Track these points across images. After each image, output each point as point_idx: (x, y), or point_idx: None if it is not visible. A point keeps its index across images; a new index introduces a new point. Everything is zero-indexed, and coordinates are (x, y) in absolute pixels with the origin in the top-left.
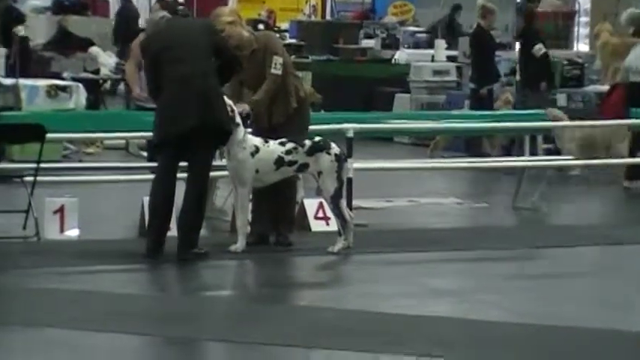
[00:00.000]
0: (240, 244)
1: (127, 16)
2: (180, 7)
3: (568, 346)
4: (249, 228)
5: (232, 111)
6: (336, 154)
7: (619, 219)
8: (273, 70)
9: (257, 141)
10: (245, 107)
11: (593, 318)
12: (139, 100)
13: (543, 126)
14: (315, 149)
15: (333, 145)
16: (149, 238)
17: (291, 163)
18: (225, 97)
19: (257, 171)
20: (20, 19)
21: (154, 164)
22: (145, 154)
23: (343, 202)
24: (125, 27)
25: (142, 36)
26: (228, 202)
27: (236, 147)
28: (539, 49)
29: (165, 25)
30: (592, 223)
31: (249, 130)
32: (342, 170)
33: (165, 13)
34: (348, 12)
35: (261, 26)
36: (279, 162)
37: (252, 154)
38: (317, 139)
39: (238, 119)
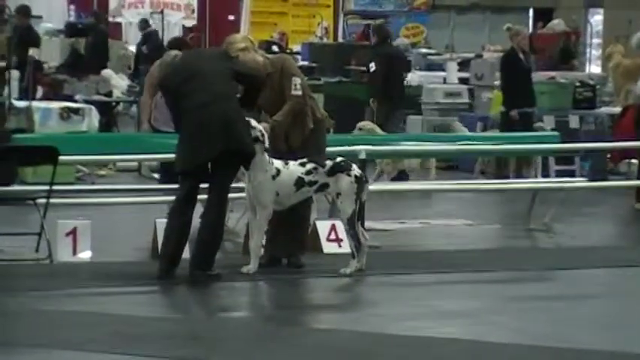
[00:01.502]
0: (252, 266)
1: (99, 38)
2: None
3: None
4: (262, 250)
5: (263, 135)
6: (356, 176)
7: (630, 240)
8: (294, 92)
9: (278, 164)
10: (265, 127)
11: (605, 340)
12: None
13: (554, 148)
14: (336, 170)
15: (354, 166)
16: (161, 260)
17: (311, 184)
18: (253, 121)
19: (277, 194)
20: (36, 41)
21: (167, 187)
22: (157, 176)
23: (359, 225)
24: (97, 50)
25: (156, 67)
26: (241, 224)
27: (258, 170)
28: (371, 66)
29: (180, 59)
30: (603, 244)
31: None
32: (361, 192)
33: (177, 52)
34: (353, 34)
35: (275, 48)
36: (300, 183)
37: (274, 177)
38: (338, 159)
39: (267, 143)
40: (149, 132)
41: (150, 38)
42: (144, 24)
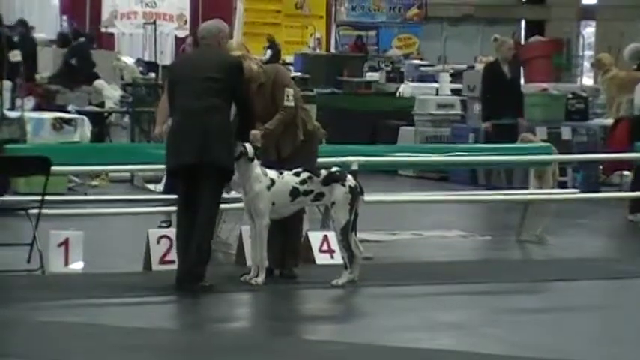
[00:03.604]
0: (261, 278)
1: (28, 47)
2: None
3: None
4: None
5: (245, 148)
6: (350, 187)
7: (622, 252)
8: (286, 103)
9: (272, 174)
10: (256, 134)
11: (597, 352)
12: (157, 140)
13: (548, 159)
14: (331, 180)
15: (349, 177)
16: (178, 267)
17: (306, 193)
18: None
19: (273, 204)
20: (12, 44)
21: (161, 197)
22: (151, 187)
23: (353, 236)
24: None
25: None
26: (233, 235)
27: (252, 181)
28: None
29: (185, 55)
30: (596, 256)
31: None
32: (355, 203)
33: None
34: (345, 45)
35: (269, 52)
36: (295, 193)
37: (269, 187)
38: (334, 169)
39: (251, 154)
40: (160, 137)
41: (79, 50)
42: (73, 33)
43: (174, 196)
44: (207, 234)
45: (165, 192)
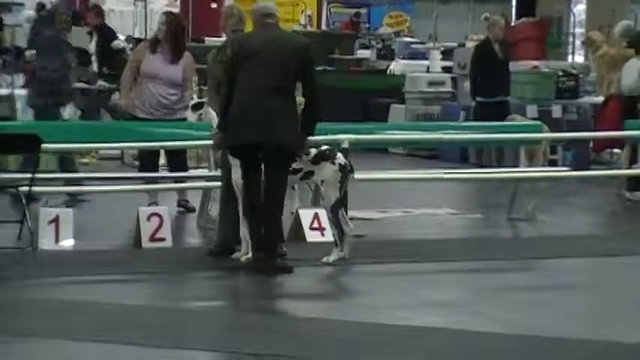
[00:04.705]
0: (249, 252)
1: None
2: None
3: (562, 358)
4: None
5: None
6: (340, 165)
7: (613, 230)
8: None
9: None
10: None
11: (588, 329)
12: (123, 111)
13: (537, 137)
14: (321, 158)
15: (339, 155)
16: (252, 240)
17: (295, 171)
18: None
19: None
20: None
21: (148, 175)
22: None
23: (343, 213)
24: None
25: (142, 45)
26: None
27: None
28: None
29: (255, 33)
30: (586, 234)
31: None
32: (345, 181)
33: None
34: (337, 22)
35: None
36: None
37: None
38: (323, 147)
39: None
40: (127, 108)
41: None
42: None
43: (156, 175)
44: (277, 214)
45: (140, 171)
